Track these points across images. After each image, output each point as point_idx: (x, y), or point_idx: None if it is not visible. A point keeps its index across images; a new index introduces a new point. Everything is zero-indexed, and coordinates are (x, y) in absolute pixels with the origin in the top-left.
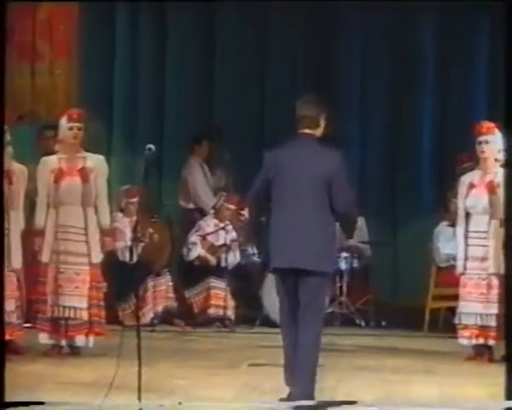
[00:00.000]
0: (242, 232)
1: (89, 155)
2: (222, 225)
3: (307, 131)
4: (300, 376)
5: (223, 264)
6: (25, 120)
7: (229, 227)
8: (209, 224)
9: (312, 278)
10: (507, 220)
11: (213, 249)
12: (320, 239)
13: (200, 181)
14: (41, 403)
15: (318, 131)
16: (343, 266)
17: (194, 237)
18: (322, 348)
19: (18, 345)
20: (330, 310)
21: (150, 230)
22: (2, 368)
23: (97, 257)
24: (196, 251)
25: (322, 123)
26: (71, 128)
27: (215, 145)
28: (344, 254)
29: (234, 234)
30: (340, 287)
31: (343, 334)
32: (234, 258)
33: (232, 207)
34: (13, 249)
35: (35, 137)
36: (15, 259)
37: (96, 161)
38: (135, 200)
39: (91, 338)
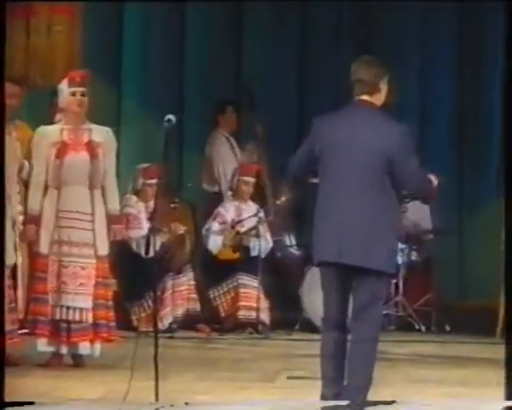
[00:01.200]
0: (277, 218)
1: (95, 126)
2: (245, 207)
3: (364, 97)
4: (348, 394)
5: (253, 253)
6: (22, 87)
7: (255, 207)
8: (228, 209)
9: (366, 278)
10: (507, 220)
11: (238, 238)
12: (377, 229)
13: (226, 158)
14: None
15: (377, 99)
16: (399, 259)
17: (213, 226)
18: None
19: (12, 355)
20: (384, 312)
21: (170, 218)
22: (2, 368)
23: (104, 248)
24: (217, 243)
25: (383, 89)
26: (73, 93)
27: (244, 114)
28: (400, 245)
29: (261, 214)
30: (396, 284)
31: (399, 340)
32: (266, 244)
33: (251, 179)
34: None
35: (47, 104)
36: (7, 253)
37: (103, 134)
38: (153, 181)
39: (97, 345)
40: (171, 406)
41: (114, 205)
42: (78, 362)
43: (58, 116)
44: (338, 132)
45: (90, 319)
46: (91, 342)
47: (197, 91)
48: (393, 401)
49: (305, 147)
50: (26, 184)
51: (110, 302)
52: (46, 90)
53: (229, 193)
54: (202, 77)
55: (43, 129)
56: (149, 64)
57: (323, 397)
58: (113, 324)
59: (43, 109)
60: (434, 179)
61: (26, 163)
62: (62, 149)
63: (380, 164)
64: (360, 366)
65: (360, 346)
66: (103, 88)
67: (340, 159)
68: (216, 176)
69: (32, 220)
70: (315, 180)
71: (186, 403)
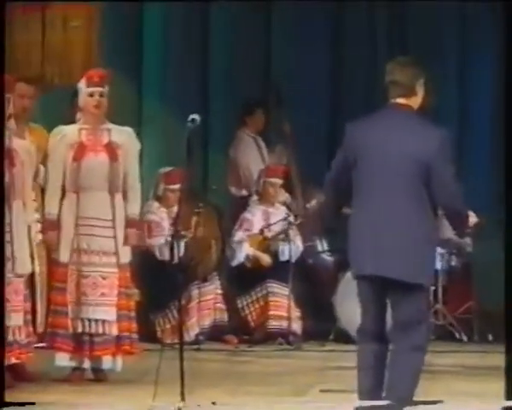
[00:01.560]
0: (308, 222)
1: (115, 127)
2: (272, 210)
3: (400, 100)
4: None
5: (282, 258)
6: (37, 88)
7: (283, 210)
8: (255, 214)
9: (406, 291)
10: (507, 219)
11: (265, 244)
12: (416, 241)
13: (253, 160)
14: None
15: (414, 102)
16: (438, 264)
17: (239, 235)
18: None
19: (26, 370)
20: None
21: (194, 223)
22: (2, 368)
23: (126, 256)
24: (243, 251)
25: (420, 91)
26: (91, 94)
27: (273, 114)
28: (439, 250)
29: (291, 218)
30: (435, 292)
31: (439, 351)
32: (296, 249)
33: (278, 180)
34: (16, 250)
35: (69, 103)
36: (21, 261)
37: (124, 136)
38: (176, 187)
39: (119, 359)
40: (198, 405)
41: (133, 209)
42: (99, 377)
43: (78, 115)
44: (372, 138)
45: (114, 332)
46: (113, 355)
47: (222, 90)
48: (439, 401)
49: (340, 156)
50: (43, 191)
51: (133, 313)
52: (63, 89)
53: (255, 197)
54: (228, 75)
55: (59, 129)
56: (172, 62)
57: None
58: (135, 336)
59: (61, 111)
60: (472, 216)
61: (42, 168)
62: (80, 151)
63: (417, 171)
64: (402, 378)
65: (404, 356)
66: (123, 87)
67: (375, 166)
68: (242, 179)
69: (51, 226)
70: (348, 210)
71: (213, 403)
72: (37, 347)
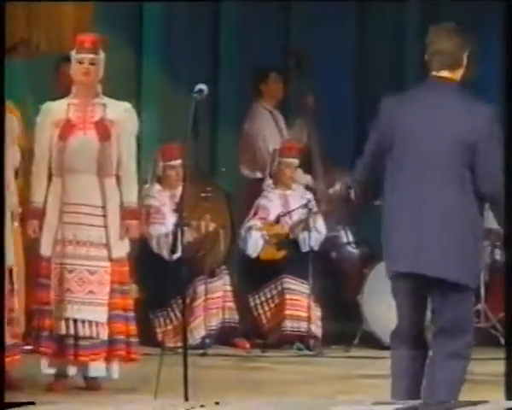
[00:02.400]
0: (331, 209)
1: (110, 101)
2: (291, 193)
3: (445, 74)
4: None
5: (303, 249)
6: (18, 51)
7: (308, 195)
8: (272, 199)
9: (449, 293)
10: (507, 219)
11: (283, 234)
12: (461, 236)
13: (270, 138)
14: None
15: (459, 74)
16: None
17: (254, 224)
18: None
19: (11, 377)
20: None
21: (201, 209)
22: (2, 369)
23: (121, 249)
24: (258, 241)
25: (465, 62)
26: (81, 61)
27: (293, 84)
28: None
29: (311, 205)
30: (477, 290)
31: (481, 358)
32: (316, 236)
33: (294, 160)
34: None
35: (53, 72)
36: (8, 252)
37: (120, 112)
38: (177, 162)
39: (115, 365)
40: (202, 406)
41: (129, 197)
42: (91, 385)
43: (73, 87)
44: (413, 116)
45: (104, 335)
46: (107, 361)
47: (234, 57)
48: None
49: (374, 138)
50: (16, 173)
51: (130, 313)
52: (52, 57)
53: (270, 181)
54: (241, 41)
55: (47, 106)
56: (176, 24)
57: None
58: (134, 339)
59: (48, 81)
60: None
61: (15, 148)
62: (66, 129)
63: (462, 155)
64: (441, 389)
65: (445, 365)
66: (120, 54)
67: (416, 150)
68: (258, 158)
69: (35, 215)
70: (378, 202)
71: (216, 403)
72: (24, 350)
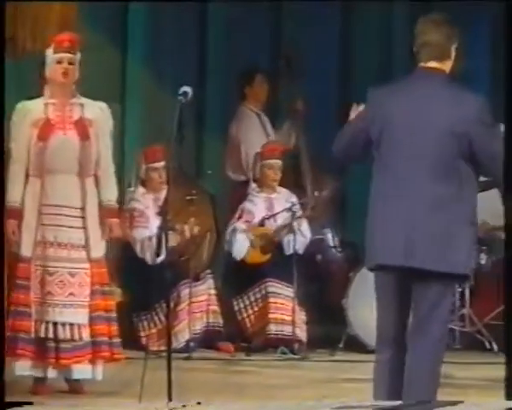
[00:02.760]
0: (316, 212)
1: (87, 101)
2: (275, 196)
3: (433, 64)
4: None
5: (287, 251)
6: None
7: (293, 198)
8: (257, 203)
9: (434, 283)
10: (507, 218)
11: (268, 237)
12: (452, 226)
13: (256, 139)
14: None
15: (447, 66)
16: None
17: (238, 227)
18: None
19: None
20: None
21: (185, 212)
22: (1, 369)
23: (99, 249)
24: (243, 243)
25: (453, 54)
26: (59, 61)
27: (282, 84)
28: None
29: (296, 208)
30: (462, 294)
31: (466, 362)
32: (301, 240)
33: (276, 161)
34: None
35: (38, 75)
36: None
37: (96, 111)
38: (159, 164)
39: (99, 367)
40: (184, 406)
41: (109, 196)
42: (74, 388)
43: (46, 88)
44: (401, 107)
45: (86, 337)
46: (92, 363)
47: (222, 59)
48: (460, 401)
49: (358, 124)
50: None
51: (112, 314)
52: (36, 56)
53: (254, 185)
54: (227, 42)
55: (23, 105)
56: (161, 24)
57: None
58: (117, 340)
59: (32, 82)
60: None
61: None
62: (46, 129)
63: (454, 146)
64: (422, 388)
65: (421, 363)
66: (105, 54)
67: (404, 141)
68: (243, 161)
69: (12, 215)
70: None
71: (198, 403)
72: None
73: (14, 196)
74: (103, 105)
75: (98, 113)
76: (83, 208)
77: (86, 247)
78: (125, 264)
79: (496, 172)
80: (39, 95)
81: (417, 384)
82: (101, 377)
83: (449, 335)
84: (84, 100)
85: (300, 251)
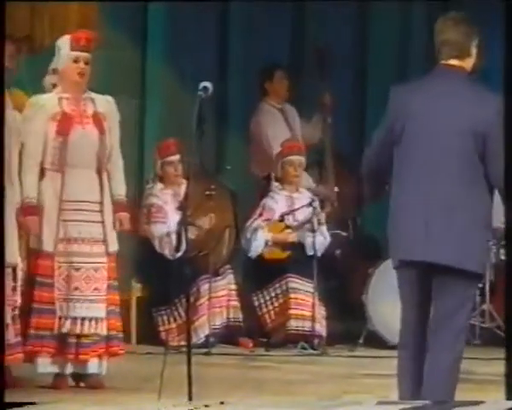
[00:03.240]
0: (336, 207)
1: (97, 96)
2: (298, 196)
3: (454, 62)
4: None
5: (308, 252)
6: (21, 48)
7: (316, 202)
8: (278, 200)
9: (457, 280)
10: (507, 218)
11: (287, 233)
12: (469, 224)
13: (278, 136)
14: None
15: (468, 64)
16: None
17: (258, 224)
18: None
19: (10, 374)
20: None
21: (205, 208)
22: (1, 369)
23: (115, 244)
24: (261, 240)
25: (473, 52)
26: (76, 60)
27: (307, 78)
28: None
29: (316, 204)
30: (482, 289)
31: (486, 358)
32: (321, 240)
33: (298, 157)
34: (7, 236)
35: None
36: (10, 249)
37: (106, 105)
38: (174, 158)
39: (105, 362)
40: (206, 406)
41: (120, 189)
42: (92, 383)
43: (51, 79)
44: (422, 105)
45: (104, 331)
46: (99, 357)
47: (242, 55)
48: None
49: (383, 126)
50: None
51: (118, 309)
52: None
53: (276, 184)
54: (248, 38)
55: (37, 99)
56: (182, 21)
57: None
58: (121, 335)
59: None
60: None
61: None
62: (65, 123)
63: (473, 144)
64: (441, 383)
65: (442, 359)
66: (124, 50)
67: (425, 139)
68: (265, 157)
69: (31, 211)
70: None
71: (221, 402)
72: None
73: (30, 191)
74: (111, 99)
75: (108, 106)
76: (101, 203)
77: (105, 241)
78: (145, 259)
79: (500, 172)
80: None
81: (437, 379)
82: (121, 372)
83: (469, 331)
84: (93, 95)
85: (320, 252)
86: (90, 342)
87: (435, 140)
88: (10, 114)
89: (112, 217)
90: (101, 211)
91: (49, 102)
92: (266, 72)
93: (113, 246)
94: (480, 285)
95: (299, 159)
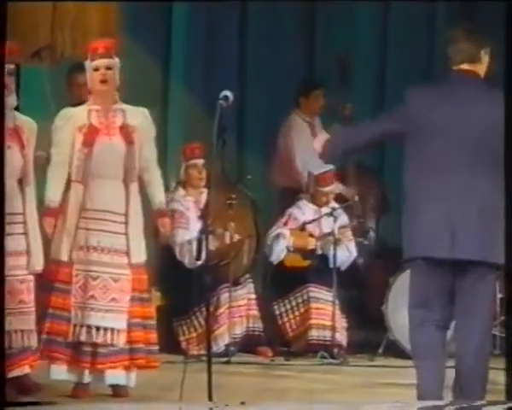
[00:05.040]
0: (357, 218)
1: (129, 107)
2: (325, 210)
3: (466, 66)
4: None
5: (328, 262)
6: (42, 57)
7: (338, 211)
8: (305, 211)
9: (482, 273)
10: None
11: (309, 241)
12: (492, 219)
13: (305, 150)
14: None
15: (481, 68)
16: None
17: (280, 229)
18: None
19: (31, 380)
20: None
21: (226, 216)
22: (2, 369)
23: (140, 256)
24: (283, 245)
25: (485, 59)
26: (96, 68)
27: (333, 89)
28: None
29: (345, 218)
30: (502, 299)
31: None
32: (345, 254)
33: (329, 188)
34: (32, 243)
35: (65, 81)
36: (36, 256)
37: (138, 117)
38: (199, 161)
39: (133, 374)
40: (226, 405)
41: (160, 198)
42: (117, 392)
43: (89, 96)
44: (440, 108)
45: (122, 343)
46: (126, 369)
47: (264, 61)
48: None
49: (391, 121)
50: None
51: (151, 321)
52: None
53: (305, 198)
54: (271, 43)
55: (67, 111)
56: (202, 25)
57: None
58: (154, 348)
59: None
60: None
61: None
62: (91, 135)
63: (492, 144)
64: (475, 366)
65: (473, 344)
66: (146, 62)
67: (446, 140)
68: (294, 170)
69: (51, 213)
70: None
71: (242, 403)
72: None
73: (55, 195)
74: (145, 111)
75: (140, 118)
76: (126, 214)
77: (127, 253)
78: (165, 268)
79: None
80: (70, 102)
81: (472, 363)
82: (135, 383)
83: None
84: (125, 106)
85: (344, 266)
86: (105, 352)
87: (456, 138)
88: (29, 124)
89: (138, 229)
90: (126, 223)
91: (78, 114)
92: (303, 88)
93: (139, 258)
94: (501, 296)
95: (331, 189)
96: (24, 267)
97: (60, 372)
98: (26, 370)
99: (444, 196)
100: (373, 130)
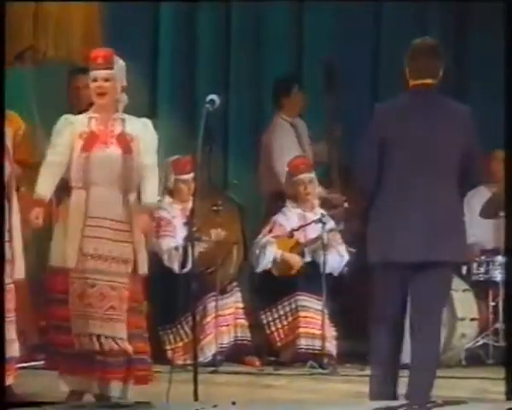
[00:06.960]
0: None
1: (129, 117)
2: (312, 216)
3: (429, 81)
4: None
5: (318, 269)
6: (24, 59)
7: (326, 217)
8: (290, 217)
9: (439, 272)
10: (507, 218)
11: (299, 248)
12: (454, 222)
13: (291, 150)
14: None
15: (437, 82)
16: (498, 275)
17: (266, 238)
18: (469, 398)
19: (13, 391)
20: (481, 342)
21: (212, 223)
22: (2, 369)
23: (143, 266)
24: (270, 256)
25: (441, 73)
26: (94, 79)
27: (320, 92)
28: (500, 259)
29: (332, 222)
30: (495, 307)
31: (498, 378)
32: (337, 259)
33: (306, 175)
34: (16, 250)
35: (66, 84)
36: (19, 264)
37: (139, 127)
38: (189, 176)
39: (130, 386)
40: (214, 406)
41: (152, 198)
42: (107, 404)
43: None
44: (406, 121)
45: (129, 350)
46: (124, 381)
47: (249, 65)
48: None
49: (371, 141)
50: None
51: (146, 334)
52: (57, 64)
53: (289, 202)
54: (256, 47)
55: (68, 117)
56: (190, 33)
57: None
58: (149, 360)
59: (53, 88)
60: None
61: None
62: (90, 141)
63: (454, 152)
64: (425, 367)
65: (425, 345)
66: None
67: (410, 150)
68: (274, 173)
69: (39, 204)
70: None
71: (233, 403)
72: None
73: (44, 189)
74: (146, 121)
75: (140, 128)
76: (129, 223)
77: (131, 262)
78: (151, 276)
79: (479, 172)
80: (65, 104)
81: (422, 363)
82: (130, 396)
83: (483, 349)
84: (126, 116)
85: (337, 271)
86: (114, 362)
87: (422, 148)
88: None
89: (142, 238)
90: (129, 231)
91: (79, 120)
92: (283, 85)
93: (143, 268)
94: (493, 304)
95: (309, 176)
96: (8, 275)
97: (74, 383)
98: (10, 381)
99: (414, 203)
100: (373, 163)
